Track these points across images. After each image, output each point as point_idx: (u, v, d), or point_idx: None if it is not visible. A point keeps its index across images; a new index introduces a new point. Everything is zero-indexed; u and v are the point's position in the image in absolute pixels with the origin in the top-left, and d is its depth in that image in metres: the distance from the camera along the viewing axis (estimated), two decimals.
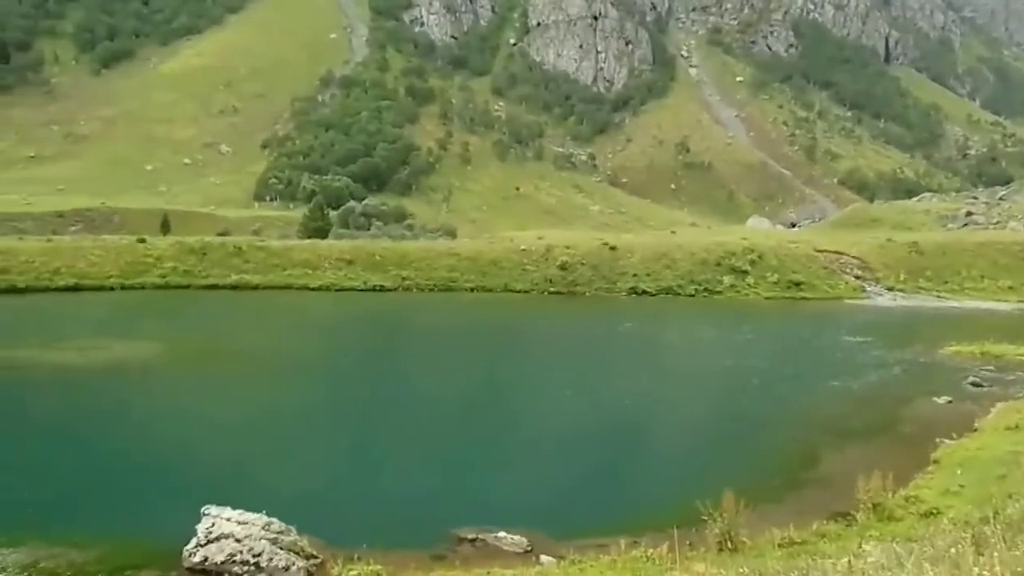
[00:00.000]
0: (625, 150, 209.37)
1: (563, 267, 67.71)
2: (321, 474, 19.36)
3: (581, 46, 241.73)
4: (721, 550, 12.77)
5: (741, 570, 9.89)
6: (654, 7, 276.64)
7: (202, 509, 13.69)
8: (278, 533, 13.35)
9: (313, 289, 62.79)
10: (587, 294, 65.12)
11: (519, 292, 64.95)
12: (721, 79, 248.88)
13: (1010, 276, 69.04)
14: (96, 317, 48.09)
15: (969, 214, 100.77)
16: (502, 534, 14.47)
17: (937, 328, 47.58)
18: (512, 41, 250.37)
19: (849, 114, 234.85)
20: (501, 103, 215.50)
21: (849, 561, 8.35)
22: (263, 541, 13.08)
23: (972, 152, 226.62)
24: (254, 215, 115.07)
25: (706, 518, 13.10)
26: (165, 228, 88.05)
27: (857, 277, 69.56)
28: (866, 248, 74.38)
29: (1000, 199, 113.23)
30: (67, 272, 58.93)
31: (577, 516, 16.37)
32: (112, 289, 58.42)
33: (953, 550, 7.72)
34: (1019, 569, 6.59)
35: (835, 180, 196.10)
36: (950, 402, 25.61)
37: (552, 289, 65.57)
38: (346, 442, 22.85)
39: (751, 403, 27.46)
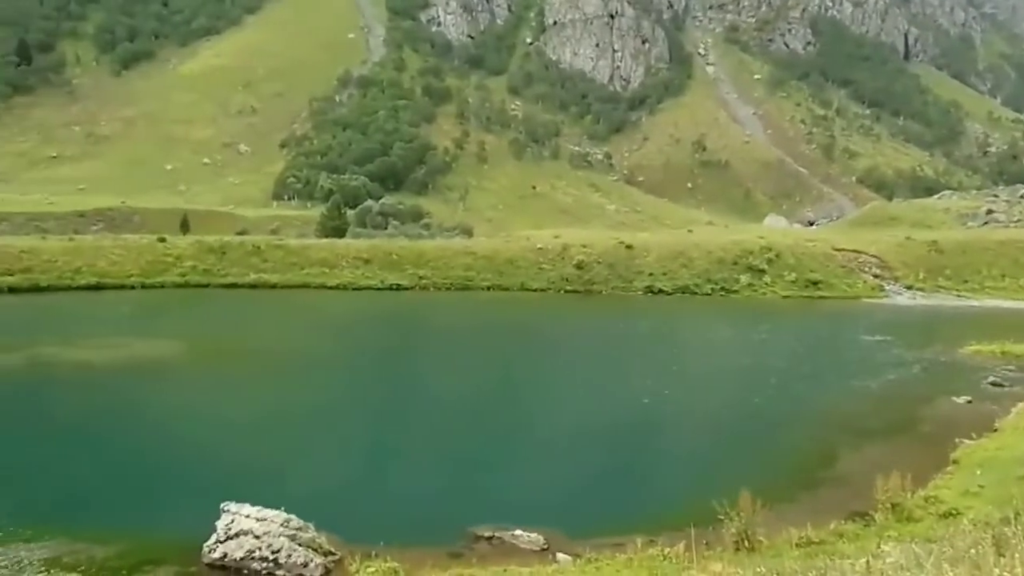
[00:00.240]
0: (642, 149, 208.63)
1: (579, 266, 67.65)
2: (339, 472, 19.48)
3: (598, 45, 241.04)
4: (738, 549, 12.75)
5: (758, 569, 9.87)
6: (671, 5, 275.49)
7: (221, 505, 13.81)
8: (296, 530, 13.45)
9: (331, 288, 63.09)
10: (603, 293, 65.05)
11: (535, 291, 64.98)
12: (738, 77, 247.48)
13: None
14: (117, 315, 48.52)
15: (990, 212, 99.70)
16: (519, 532, 14.51)
17: (957, 327, 47.22)
18: (528, 40, 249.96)
19: (868, 112, 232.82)
20: (517, 102, 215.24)
21: (868, 561, 8.32)
22: (282, 538, 13.19)
23: (993, 149, 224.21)
24: (272, 214, 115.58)
25: (723, 517, 13.08)
26: (185, 228, 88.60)
27: (876, 276, 69.10)
28: (885, 247, 73.86)
29: (1021, 197, 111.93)
30: (88, 271, 59.50)
31: (593, 514, 16.38)
32: (132, 288, 58.94)
33: (973, 551, 7.69)
34: None
35: (853, 178, 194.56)
36: (970, 402, 25.43)
37: (568, 288, 65.55)
38: (364, 440, 22.97)
39: (768, 402, 27.35)
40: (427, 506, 16.76)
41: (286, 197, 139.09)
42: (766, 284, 66.34)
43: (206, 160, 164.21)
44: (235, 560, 13.01)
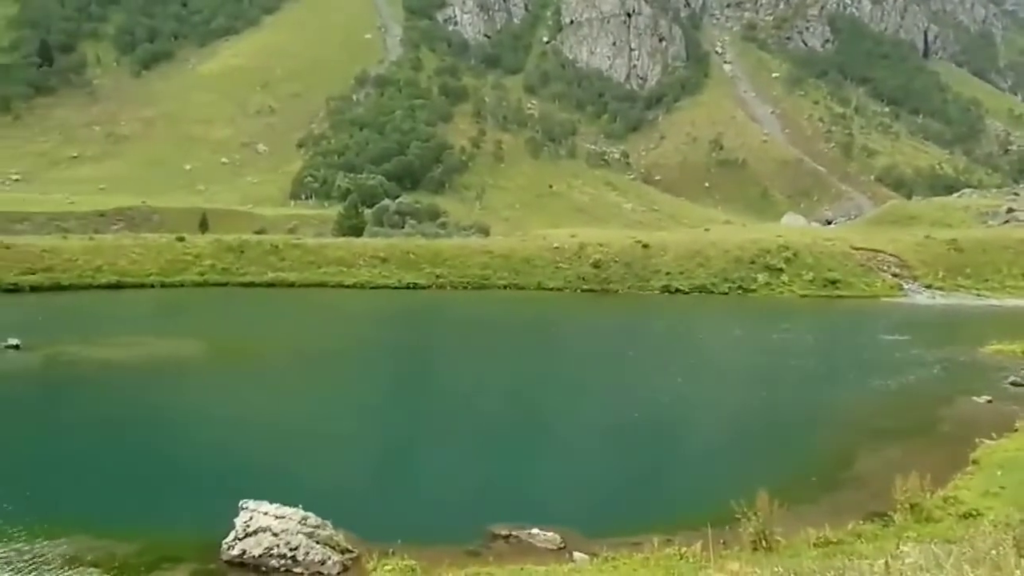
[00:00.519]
0: (658, 148, 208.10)
1: (596, 265, 67.59)
2: (357, 470, 19.58)
3: (614, 43, 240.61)
4: (755, 549, 12.71)
5: (776, 569, 9.83)
6: (688, 4, 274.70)
7: (240, 503, 13.91)
8: (314, 527, 13.52)
9: (348, 287, 63.36)
10: (620, 292, 64.97)
11: (552, 290, 64.98)
12: (756, 75, 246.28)
13: None
14: (137, 314, 48.94)
15: (1010, 211, 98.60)
16: (535, 531, 14.52)
17: (977, 327, 46.85)
18: (545, 39, 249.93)
19: (887, 110, 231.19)
20: (534, 101, 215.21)
21: (886, 562, 8.27)
22: (300, 535, 13.27)
23: (1013, 148, 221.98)
24: (290, 214, 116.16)
25: (740, 517, 13.04)
26: (203, 227, 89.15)
27: (894, 275, 68.63)
28: (904, 245, 73.33)
29: None
30: (109, 270, 60.04)
31: (610, 513, 16.37)
32: (152, 287, 59.43)
33: (994, 552, 7.64)
34: None
35: (872, 177, 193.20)
36: (990, 402, 25.21)
37: (585, 287, 65.51)
38: (381, 438, 23.04)
39: (786, 402, 27.24)
40: (444, 504, 16.81)
41: (304, 196, 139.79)
42: (784, 283, 66.04)
43: (224, 160, 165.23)
44: (253, 557, 13.10)
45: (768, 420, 24.92)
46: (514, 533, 14.53)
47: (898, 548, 10.43)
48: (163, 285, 60.10)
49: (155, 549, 13.65)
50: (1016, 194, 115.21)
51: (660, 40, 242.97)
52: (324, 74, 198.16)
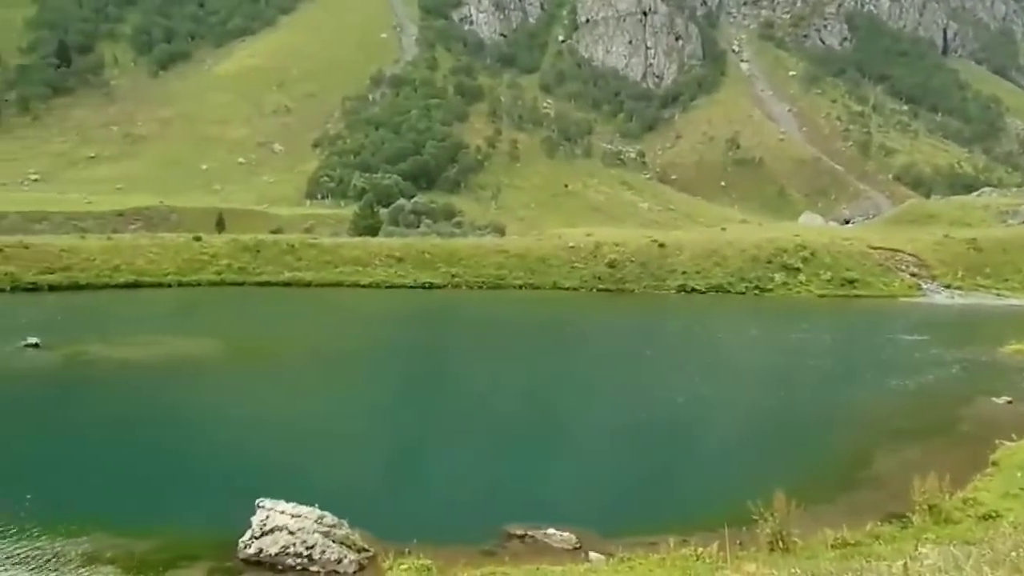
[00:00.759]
0: (675, 147, 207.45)
1: (612, 264, 67.47)
2: (373, 469, 19.63)
3: (630, 42, 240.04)
4: (772, 550, 12.64)
5: (793, 571, 9.78)
6: (704, 2, 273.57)
7: (257, 501, 13.97)
8: (330, 526, 13.56)
9: (363, 286, 63.52)
10: (636, 292, 64.82)
11: (568, 289, 64.92)
12: (773, 74, 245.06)
13: None
14: (155, 313, 49.25)
15: None
16: (551, 531, 14.50)
17: (997, 327, 46.46)
18: (561, 38, 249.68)
19: (905, 108, 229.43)
20: (550, 100, 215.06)
21: (905, 564, 8.22)
22: (316, 534, 13.31)
23: None
24: (306, 213, 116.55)
25: (757, 518, 12.97)
26: (220, 226, 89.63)
27: (913, 275, 68.16)
28: (922, 245, 72.81)
29: None
30: (126, 269, 60.45)
31: (626, 514, 16.32)
32: (169, 286, 59.80)
33: (1014, 554, 7.57)
34: None
35: (890, 175, 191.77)
36: (1010, 402, 24.99)
37: (601, 286, 65.40)
38: (397, 437, 23.09)
39: (804, 402, 27.10)
40: (460, 504, 16.82)
41: (319, 196, 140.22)
42: (801, 283, 65.71)
43: (241, 160, 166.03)
44: (270, 556, 13.16)
45: (785, 420, 24.80)
46: (529, 533, 14.53)
47: (917, 550, 10.36)
48: (180, 284, 60.44)
49: (172, 547, 13.75)
50: None
51: (676, 39, 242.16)
52: (340, 74, 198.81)
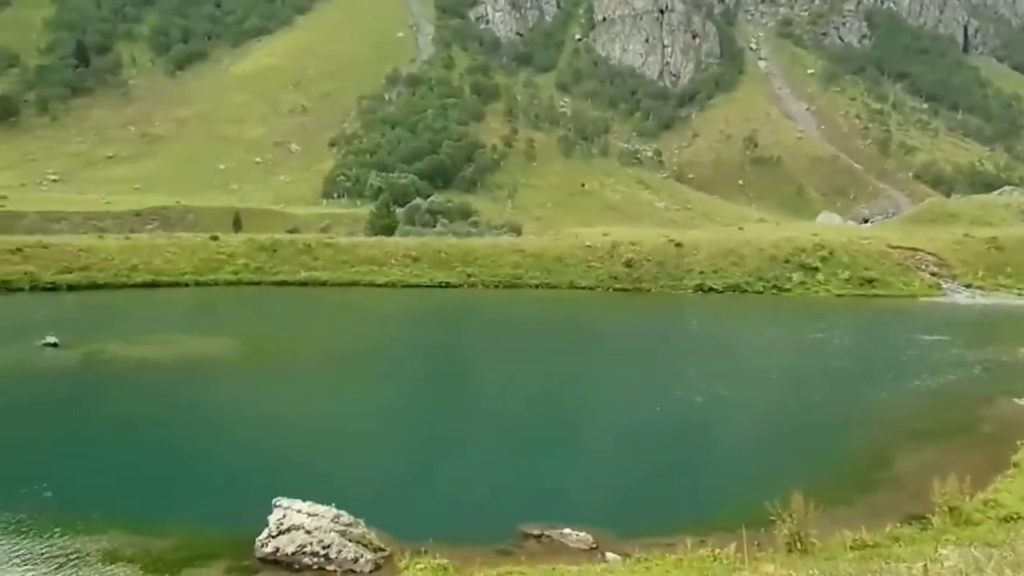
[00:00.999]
0: (692, 145, 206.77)
1: (628, 264, 67.25)
2: (389, 468, 19.65)
3: (647, 40, 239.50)
4: (790, 551, 12.55)
5: (811, 572, 9.71)
6: (722, 0, 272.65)
7: (273, 500, 14.01)
8: (347, 526, 13.58)
9: (380, 286, 63.61)
10: (653, 291, 64.58)
11: (584, 289, 64.77)
12: (791, 72, 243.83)
13: None
14: (172, 313, 49.58)
15: None
16: (568, 531, 14.47)
17: (1018, 327, 46.01)
18: (577, 36, 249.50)
19: (925, 106, 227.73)
20: (566, 99, 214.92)
21: (925, 566, 8.14)
22: (332, 533, 13.33)
23: None
24: (322, 213, 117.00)
25: (775, 518, 12.88)
26: (237, 226, 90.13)
27: (933, 274, 67.53)
28: (942, 244, 72.13)
29: None
30: (144, 269, 60.79)
31: (643, 514, 16.27)
32: (187, 285, 60.10)
33: None
34: None
35: (910, 174, 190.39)
36: None
37: (617, 286, 65.20)
38: (413, 437, 23.09)
39: (822, 402, 26.91)
40: (476, 504, 16.81)
41: (336, 195, 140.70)
42: (819, 282, 65.25)
43: (258, 159, 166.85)
44: (287, 555, 13.20)
45: (804, 420, 24.64)
46: (546, 533, 14.50)
47: (937, 552, 10.26)
48: (197, 284, 60.73)
49: (190, 545, 13.83)
50: None
51: (693, 37, 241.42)
52: (356, 73, 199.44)
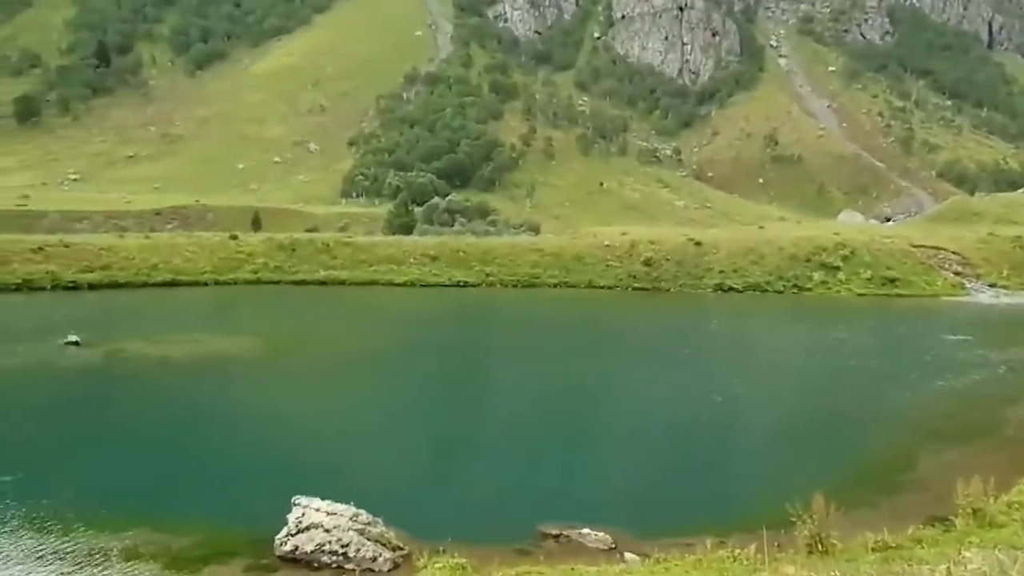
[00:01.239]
0: (711, 144, 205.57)
1: (647, 263, 67.01)
2: (407, 467, 19.66)
3: (666, 38, 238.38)
4: (811, 553, 12.42)
5: (832, 573, 9.62)
6: None
7: (293, 499, 14.07)
8: (365, 524, 13.61)
9: (398, 285, 63.74)
10: (672, 291, 64.30)
11: (603, 288, 64.60)
12: (812, 69, 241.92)
13: None
14: (192, 312, 49.91)
15: None
16: (586, 531, 14.43)
17: None
18: (596, 35, 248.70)
19: (949, 103, 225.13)
20: (585, 97, 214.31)
21: (948, 568, 8.04)
22: (351, 532, 13.36)
23: None
24: (341, 212, 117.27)
25: (795, 519, 12.75)
26: (256, 225, 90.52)
27: (956, 273, 66.82)
28: (966, 243, 71.37)
29: None
30: (164, 268, 61.23)
31: (662, 514, 16.20)
32: (206, 284, 60.48)
33: None
34: None
35: (933, 172, 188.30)
36: None
37: (636, 285, 64.98)
38: (432, 436, 23.11)
39: (844, 402, 26.69)
40: (494, 503, 16.80)
41: (354, 194, 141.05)
42: (840, 282, 64.72)
43: (277, 159, 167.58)
44: (306, 553, 13.24)
45: (825, 420, 24.44)
46: (564, 533, 14.47)
47: (960, 554, 10.14)
48: (217, 283, 61.10)
49: (210, 543, 13.92)
50: None
51: (713, 34, 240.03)
52: (374, 72, 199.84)
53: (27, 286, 54.75)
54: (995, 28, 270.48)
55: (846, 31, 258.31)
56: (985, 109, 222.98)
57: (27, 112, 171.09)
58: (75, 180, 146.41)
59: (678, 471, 19.74)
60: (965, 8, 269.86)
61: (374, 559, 13.13)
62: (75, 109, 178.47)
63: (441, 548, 12.98)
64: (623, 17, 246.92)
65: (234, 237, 69.19)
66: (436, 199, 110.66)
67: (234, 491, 17.10)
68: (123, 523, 14.49)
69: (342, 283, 63.48)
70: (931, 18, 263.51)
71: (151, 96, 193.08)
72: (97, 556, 13.18)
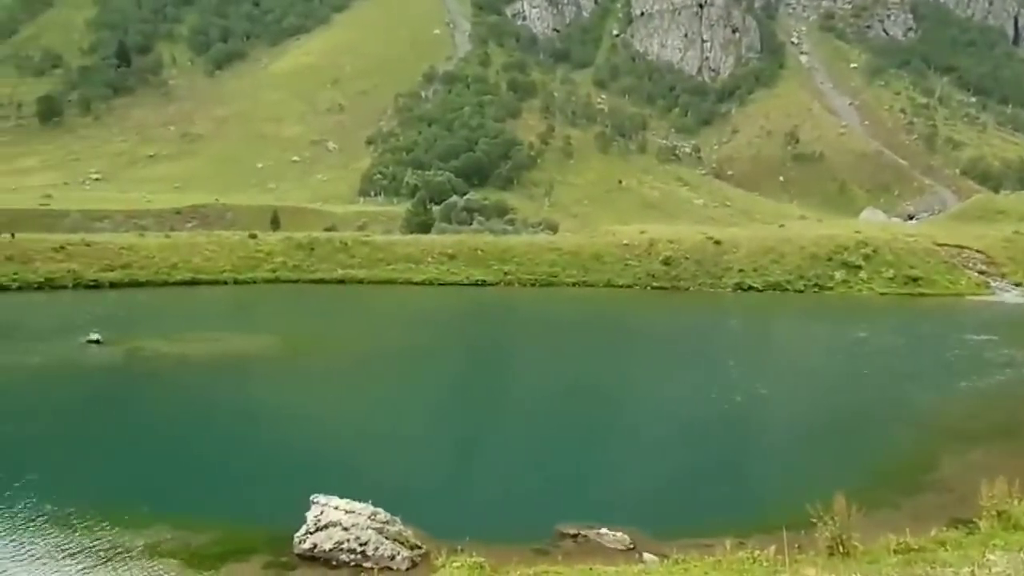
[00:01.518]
0: (731, 141, 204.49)
1: (666, 262, 66.72)
2: (425, 466, 19.67)
3: (686, 35, 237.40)
4: (832, 554, 12.27)
5: None
6: None
7: (311, 497, 14.09)
8: (384, 523, 13.61)
9: (416, 284, 63.84)
10: (691, 290, 63.99)
11: (621, 287, 64.40)
12: (834, 66, 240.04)
13: None
14: (212, 310, 50.21)
15: None
16: (604, 531, 14.36)
17: None
18: (615, 32, 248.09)
19: (973, 99, 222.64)
20: (603, 95, 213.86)
21: (972, 571, 7.93)
22: (369, 530, 13.36)
23: None
24: (359, 211, 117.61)
25: (816, 520, 12.61)
26: (275, 224, 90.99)
27: (981, 272, 66.09)
28: (991, 241, 70.58)
29: None
30: (184, 267, 61.66)
31: (681, 515, 16.11)
32: (225, 283, 60.85)
33: None
34: None
35: (957, 170, 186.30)
36: None
37: (655, 284, 64.73)
38: (450, 436, 23.11)
39: (866, 403, 26.44)
40: (512, 502, 16.76)
41: (372, 193, 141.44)
42: (862, 281, 64.16)
43: (295, 158, 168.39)
44: (324, 551, 13.26)
45: (847, 420, 24.22)
46: (582, 532, 14.41)
47: (984, 557, 10.01)
48: (236, 282, 61.43)
49: (229, 541, 13.98)
50: None
51: (733, 31, 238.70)
52: (393, 71, 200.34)
53: (49, 285, 55.36)
54: (1021, 23, 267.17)
55: (868, 27, 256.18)
56: (1010, 106, 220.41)
57: (49, 112, 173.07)
58: (96, 180, 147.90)
59: (697, 471, 19.61)
60: (991, 3, 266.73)
61: (392, 557, 13.13)
62: (96, 109, 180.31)
63: (459, 547, 12.95)
64: (642, 14, 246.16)
65: (253, 236, 69.57)
66: (454, 198, 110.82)
67: (253, 489, 17.16)
68: (143, 520, 14.58)
69: (360, 282, 63.65)
70: (955, 13, 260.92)
71: (171, 96, 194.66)
72: (118, 553, 13.27)
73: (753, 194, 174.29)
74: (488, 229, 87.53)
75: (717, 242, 69.23)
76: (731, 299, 60.43)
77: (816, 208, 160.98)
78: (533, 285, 64.61)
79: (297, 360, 33.50)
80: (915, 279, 64.01)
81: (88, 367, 30.15)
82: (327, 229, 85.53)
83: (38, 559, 12.99)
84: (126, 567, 12.79)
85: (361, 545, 13.21)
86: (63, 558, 13.04)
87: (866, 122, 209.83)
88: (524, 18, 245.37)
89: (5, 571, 12.50)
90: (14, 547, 13.40)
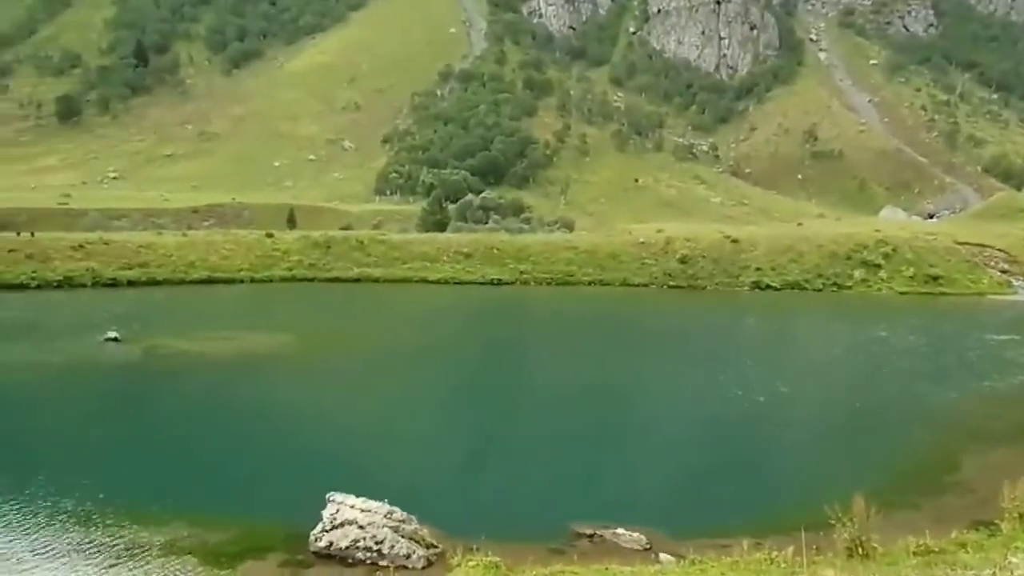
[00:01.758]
0: (749, 139, 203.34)
1: (683, 260, 66.48)
2: (441, 465, 19.66)
3: (703, 32, 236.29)
4: (851, 556, 12.16)
5: None
6: None
7: (327, 496, 14.10)
8: (399, 521, 13.61)
9: (432, 282, 63.91)
10: (708, 289, 63.74)
11: (638, 286, 64.25)
12: (853, 63, 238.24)
13: None
14: (229, 309, 50.45)
15: None
16: (620, 531, 14.30)
17: None
18: (632, 29, 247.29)
19: (995, 96, 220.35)
20: (620, 93, 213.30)
21: (994, 573, 7.80)
22: (385, 529, 13.36)
23: None
24: (375, 209, 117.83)
25: (835, 522, 12.50)
26: (291, 223, 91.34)
27: (1003, 271, 65.49)
28: (1013, 240, 69.93)
29: None
30: (201, 265, 62.03)
31: (698, 515, 16.03)
32: (242, 282, 61.16)
33: None
34: None
35: (979, 167, 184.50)
36: None
37: (672, 283, 64.52)
38: (466, 434, 23.09)
39: (886, 403, 26.21)
40: (528, 502, 16.72)
41: (388, 192, 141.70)
42: (881, 279, 63.69)
43: (311, 156, 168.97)
44: (340, 549, 13.28)
45: (866, 420, 24.02)
46: (598, 532, 14.36)
47: (1006, 559, 9.90)
48: (253, 280, 61.76)
49: (246, 538, 14.03)
50: None
51: (751, 28, 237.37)
52: (409, 70, 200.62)
53: (68, 283, 55.84)
54: None
55: (888, 23, 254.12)
56: None
57: (68, 112, 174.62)
58: (115, 178, 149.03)
59: (714, 471, 19.49)
60: None
61: (408, 556, 13.12)
62: (114, 108, 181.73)
63: (475, 546, 12.92)
64: (659, 11, 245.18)
65: (270, 235, 69.89)
66: (470, 196, 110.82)
67: (269, 487, 17.21)
68: (161, 518, 14.67)
69: (376, 280, 63.81)
70: (977, 9, 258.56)
71: (188, 95, 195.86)
72: (137, 550, 13.35)
73: (771, 192, 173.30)
74: (504, 228, 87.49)
75: (734, 240, 68.92)
76: (748, 298, 60.13)
77: (835, 206, 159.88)
78: (549, 284, 64.53)
79: (313, 358, 33.59)
80: (935, 278, 63.49)
81: (106, 365, 30.35)
82: (343, 228, 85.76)
83: (59, 556, 13.09)
84: (144, 564, 12.87)
85: (377, 543, 13.22)
86: (82, 555, 13.14)
87: (886, 119, 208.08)
88: (540, 16, 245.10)
89: (27, 567, 12.60)
90: (35, 544, 13.52)
